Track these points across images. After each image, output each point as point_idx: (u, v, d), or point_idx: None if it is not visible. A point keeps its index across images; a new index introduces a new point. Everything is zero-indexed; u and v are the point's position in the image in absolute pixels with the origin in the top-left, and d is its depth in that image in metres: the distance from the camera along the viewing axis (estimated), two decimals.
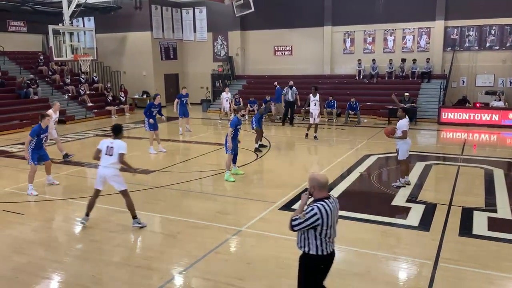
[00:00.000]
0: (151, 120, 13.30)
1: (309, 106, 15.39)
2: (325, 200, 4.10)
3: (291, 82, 19.19)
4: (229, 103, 20.09)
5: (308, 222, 4.05)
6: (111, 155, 7.25)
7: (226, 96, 20.15)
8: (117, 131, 7.46)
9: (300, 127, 17.98)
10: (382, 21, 22.56)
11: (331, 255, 4.29)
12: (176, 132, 17.24)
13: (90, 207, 7.59)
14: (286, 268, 5.93)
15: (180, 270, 5.97)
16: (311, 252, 4.22)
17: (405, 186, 9.54)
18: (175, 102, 17.14)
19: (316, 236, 4.14)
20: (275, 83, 21.01)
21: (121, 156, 7.24)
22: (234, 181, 10.19)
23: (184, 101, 17.08)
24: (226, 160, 10.50)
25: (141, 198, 9.12)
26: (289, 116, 19.03)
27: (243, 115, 10.80)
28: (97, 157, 7.50)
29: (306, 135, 15.47)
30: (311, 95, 15.48)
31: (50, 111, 12.32)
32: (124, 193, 7.46)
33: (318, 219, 4.02)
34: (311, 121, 15.22)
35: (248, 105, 21.22)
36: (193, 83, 26.81)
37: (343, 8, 23.28)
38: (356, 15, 23.05)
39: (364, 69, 22.91)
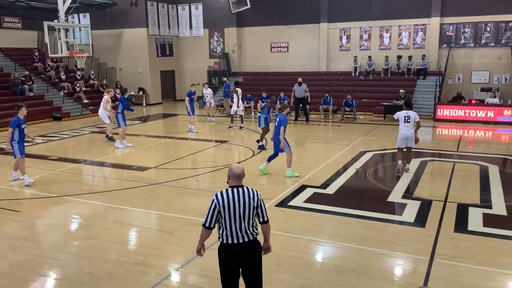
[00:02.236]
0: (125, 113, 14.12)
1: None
2: (231, 188, 4.17)
3: (300, 79, 19.03)
4: (211, 100, 20.00)
5: (209, 209, 4.16)
6: None
7: (206, 92, 20.01)
8: None
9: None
10: (378, 18, 22.60)
11: (232, 248, 4.14)
12: (173, 129, 17.21)
13: None
14: (284, 264, 5.95)
15: (177, 267, 5.98)
16: (219, 241, 4.23)
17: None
18: (186, 100, 16.59)
19: (220, 224, 4.17)
20: (225, 79, 21.93)
21: None
22: (298, 176, 10.05)
23: (193, 98, 16.81)
24: (287, 159, 10.17)
25: (138, 194, 9.12)
26: (300, 114, 18.91)
27: (288, 113, 10.74)
28: None
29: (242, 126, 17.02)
30: (238, 88, 17.31)
31: (107, 97, 14.43)
32: None
33: (215, 204, 4.11)
34: (238, 112, 17.12)
35: (245, 101, 21.20)
36: (189, 80, 26.72)
37: (339, 5, 23.29)
38: (352, 12, 23.07)
39: (360, 66, 22.94)
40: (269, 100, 14.31)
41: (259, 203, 4.17)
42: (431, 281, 5.50)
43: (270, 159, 10.46)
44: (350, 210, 7.99)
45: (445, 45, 21.72)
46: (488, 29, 20.87)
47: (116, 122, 14.26)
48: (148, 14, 25.44)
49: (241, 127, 17.12)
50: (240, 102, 17.25)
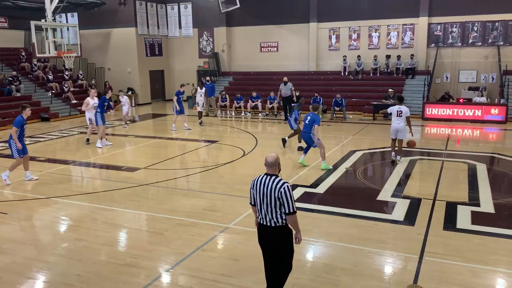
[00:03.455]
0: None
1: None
2: (264, 175, 4.57)
3: (285, 78, 19.20)
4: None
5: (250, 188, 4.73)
6: None
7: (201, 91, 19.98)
8: None
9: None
10: (367, 18, 22.74)
11: (260, 227, 4.60)
12: (162, 129, 17.14)
13: None
14: None
15: (167, 268, 5.95)
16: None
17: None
18: (175, 99, 16.72)
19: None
20: (208, 78, 22.23)
21: None
22: (331, 168, 10.73)
23: (181, 98, 16.93)
24: (320, 152, 10.87)
25: (128, 195, 9.07)
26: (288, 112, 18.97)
27: (318, 113, 11.58)
28: None
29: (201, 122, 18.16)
30: (198, 87, 18.98)
31: (87, 99, 14.29)
32: None
33: (251, 186, 4.68)
34: (199, 109, 18.48)
35: (235, 101, 21.23)
36: (178, 80, 26.63)
37: (329, 5, 23.39)
38: (342, 12, 23.18)
39: (349, 66, 23.04)
40: (298, 102, 14.34)
41: (280, 196, 4.38)
42: (420, 279, 5.54)
43: (305, 151, 11.26)
44: (340, 209, 8.02)
45: (433, 44, 21.92)
46: (475, 28, 21.10)
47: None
48: (137, 14, 25.30)
49: (200, 123, 18.19)
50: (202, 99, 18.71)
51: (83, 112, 16.08)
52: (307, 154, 11.30)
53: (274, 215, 4.44)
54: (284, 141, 13.42)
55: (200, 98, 19.26)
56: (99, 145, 13.74)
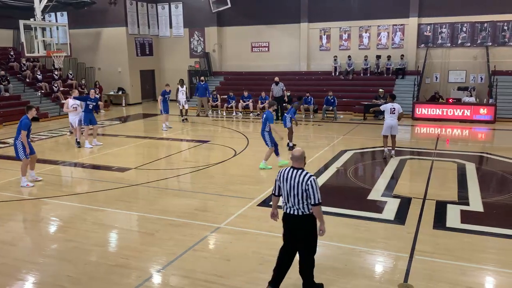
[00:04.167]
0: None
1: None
2: (291, 168, 4.96)
3: (277, 78, 19.24)
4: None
5: (275, 180, 5.13)
6: None
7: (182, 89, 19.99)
8: None
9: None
10: (357, 18, 22.83)
11: (286, 216, 5.02)
12: (153, 129, 17.08)
13: None
14: (265, 264, 5.96)
15: (159, 268, 5.94)
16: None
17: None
18: (159, 99, 16.90)
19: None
20: (202, 78, 22.29)
21: None
22: (271, 168, 10.71)
23: (167, 98, 16.96)
24: (267, 152, 10.87)
25: (118, 196, 9.02)
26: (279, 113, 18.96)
27: (275, 110, 11.46)
28: None
29: (185, 119, 18.96)
30: (179, 86, 19.41)
31: (68, 100, 13.97)
32: None
33: (276, 178, 5.08)
34: (180, 107, 19.22)
35: (227, 100, 21.22)
36: (169, 80, 26.43)
37: (319, 5, 23.45)
38: (332, 12, 23.25)
39: (340, 66, 23.12)
40: (297, 102, 14.29)
41: (307, 188, 4.79)
42: (411, 277, 5.59)
43: (277, 153, 10.99)
44: (331, 208, 8.03)
45: (423, 45, 22.08)
46: (464, 29, 21.30)
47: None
48: (127, 13, 25.15)
49: (184, 120, 19.04)
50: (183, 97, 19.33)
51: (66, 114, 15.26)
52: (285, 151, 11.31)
53: (301, 205, 4.86)
54: (290, 147, 13.06)
55: (182, 96, 19.31)
56: (88, 145, 13.65)
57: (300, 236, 4.99)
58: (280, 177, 5.00)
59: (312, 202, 4.81)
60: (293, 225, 4.97)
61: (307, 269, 5.14)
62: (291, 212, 4.93)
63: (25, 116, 9.72)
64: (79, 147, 13.71)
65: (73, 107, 13.74)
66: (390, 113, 11.69)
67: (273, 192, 5.17)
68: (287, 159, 10.79)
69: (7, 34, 24.81)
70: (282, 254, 5.17)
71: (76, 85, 24.04)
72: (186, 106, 19.39)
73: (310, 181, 4.79)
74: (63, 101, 21.72)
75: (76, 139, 14.01)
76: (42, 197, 9.01)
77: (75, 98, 13.95)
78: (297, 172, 4.88)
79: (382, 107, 12.08)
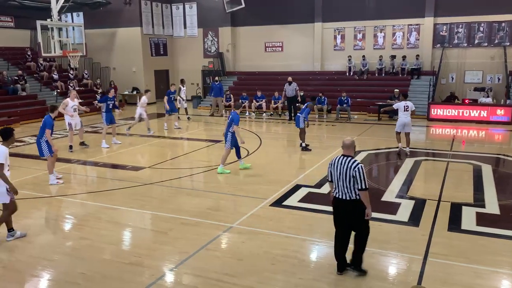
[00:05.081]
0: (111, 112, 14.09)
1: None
2: (341, 155, 5.47)
3: (290, 78, 19.20)
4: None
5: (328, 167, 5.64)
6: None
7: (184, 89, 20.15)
8: (5, 135, 6.75)
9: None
10: (372, 18, 22.67)
11: (336, 200, 5.46)
12: (167, 129, 17.15)
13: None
14: (277, 264, 5.95)
15: (171, 267, 5.97)
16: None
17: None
18: (165, 99, 17.09)
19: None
20: (216, 78, 22.27)
21: None
22: (229, 172, 10.48)
23: (172, 97, 17.13)
24: (223, 154, 10.64)
25: (132, 195, 9.09)
26: (293, 113, 18.92)
27: (241, 112, 11.24)
28: None
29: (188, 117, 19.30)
30: (181, 86, 19.46)
31: (67, 100, 13.19)
32: (4, 206, 6.69)
33: (329, 165, 5.59)
34: (185, 106, 19.49)
35: (240, 100, 21.23)
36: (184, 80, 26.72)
37: (334, 5, 23.33)
38: (347, 12, 23.12)
39: (355, 66, 22.97)
40: (311, 102, 14.16)
41: (355, 174, 5.23)
42: (424, 280, 5.52)
43: (238, 155, 10.83)
44: None
45: (438, 45, 21.82)
46: (481, 29, 20.99)
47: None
48: (142, 13, 25.35)
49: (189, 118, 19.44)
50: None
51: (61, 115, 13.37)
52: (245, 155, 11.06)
53: (348, 190, 5.30)
54: (303, 147, 12.99)
55: (183, 95, 19.44)
56: (104, 145, 13.77)
57: (350, 218, 5.41)
58: (332, 164, 5.49)
59: (359, 187, 5.24)
60: (343, 208, 5.40)
61: (358, 251, 5.55)
62: (340, 196, 5.37)
63: (49, 115, 9.95)
64: (71, 151, 13.19)
65: (74, 108, 13.23)
66: (404, 111, 12.17)
67: (327, 178, 5.64)
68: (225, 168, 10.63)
69: (24, 34, 25.18)
70: (336, 239, 5.59)
71: (91, 84, 24.34)
72: (185, 105, 19.60)
73: (358, 168, 5.23)
74: (79, 100, 22.03)
75: (70, 144, 13.35)
76: (57, 195, 9.13)
77: (100, 101, 14.08)
78: (346, 159, 5.35)
79: (395, 106, 12.57)
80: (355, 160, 5.35)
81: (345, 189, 5.32)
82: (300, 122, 12.92)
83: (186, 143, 14.82)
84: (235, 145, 10.68)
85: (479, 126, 17.34)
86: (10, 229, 6.85)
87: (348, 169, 5.26)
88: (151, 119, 20.81)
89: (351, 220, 5.44)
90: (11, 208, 6.73)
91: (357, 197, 5.31)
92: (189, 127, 17.66)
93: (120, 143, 14.19)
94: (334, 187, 5.50)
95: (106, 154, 12.98)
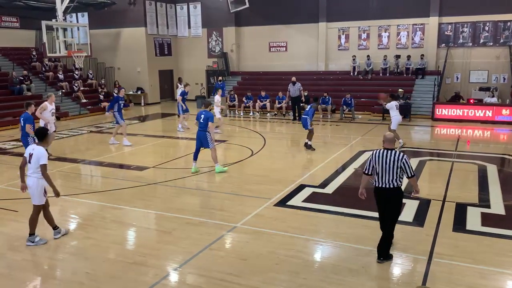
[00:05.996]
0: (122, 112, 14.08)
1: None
2: (383, 149, 5.90)
3: (294, 78, 19.18)
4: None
5: (368, 161, 6.01)
6: (30, 163, 6.55)
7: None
8: (40, 136, 6.72)
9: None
10: (376, 18, 22.61)
11: (379, 190, 5.92)
12: (171, 129, 17.20)
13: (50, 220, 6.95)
14: (282, 264, 5.95)
15: (175, 267, 5.98)
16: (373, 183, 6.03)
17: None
18: (179, 99, 16.80)
19: (375, 173, 5.95)
20: (220, 78, 22.23)
21: (42, 167, 6.44)
22: (227, 170, 10.50)
23: (185, 98, 17.02)
24: (212, 155, 10.59)
25: (136, 194, 9.11)
26: (297, 112, 18.91)
27: (210, 110, 11.10)
28: (23, 165, 6.72)
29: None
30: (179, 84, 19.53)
31: (45, 103, 12.38)
32: (35, 208, 6.73)
33: (370, 159, 5.96)
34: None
35: (244, 99, 21.25)
36: (187, 79, 26.67)
37: (338, 5, 23.29)
38: (351, 12, 23.07)
39: (359, 65, 22.92)
40: (315, 103, 14.13)
41: (402, 164, 5.76)
42: (429, 280, 5.50)
43: (195, 157, 10.70)
44: (348, 209, 7.99)
45: (443, 44, 21.74)
46: (487, 28, 20.89)
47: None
48: (146, 14, 25.40)
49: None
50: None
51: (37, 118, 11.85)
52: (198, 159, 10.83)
53: (393, 179, 5.79)
54: (308, 146, 12.96)
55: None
56: (126, 143, 13.83)
57: (391, 203, 5.90)
58: (375, 158, 5.87)
59: (409, 175, 5.82)
60: (386, 194, 5.86)
61: (387, 237, 5.99)
62: (385, 186, 5.82)
63: (26, 113, 10.29)
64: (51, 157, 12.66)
65: (52, 113, 12.33)
66: (396, 109, 13.06)
67: (366, 171, 5.99)
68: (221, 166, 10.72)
69: (29, 35, 25.30)
70: (381, 222, 6.10)
71: (96, 84, 24.42)
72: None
73: (404, 159, 5.76)
74: (83, 100, 22.13)
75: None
76: (62, 194, 9.14)
77: (113, 102, 14.07)
78: (390, 153, 5.80)
79: (387, 106, 13.24)
80: (400, 152, 5.84)
81: (390, 178, 5.77)
82: (307, 123, 12.89)
83: (189, 143, 14.80)
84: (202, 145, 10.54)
85: (484, 126, 17.26)
86: (32, 234, 6.76)
87: (396, 161, 5.73)
88: (155, 120, 20.87)
89: (392, 205, 5.92)
90: (40, 209, 6.78)
91: (400, 184, 5.82)
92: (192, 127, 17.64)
93: (118, 143, 14.18)
94: (376, 178, 5.89)
95: (111, 154, 13.01)
